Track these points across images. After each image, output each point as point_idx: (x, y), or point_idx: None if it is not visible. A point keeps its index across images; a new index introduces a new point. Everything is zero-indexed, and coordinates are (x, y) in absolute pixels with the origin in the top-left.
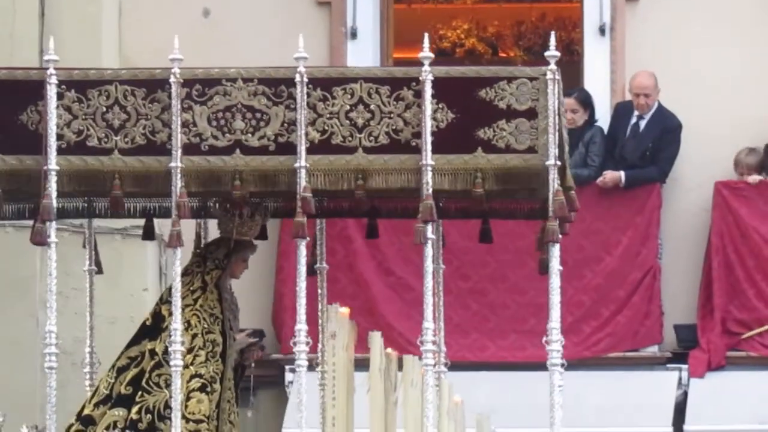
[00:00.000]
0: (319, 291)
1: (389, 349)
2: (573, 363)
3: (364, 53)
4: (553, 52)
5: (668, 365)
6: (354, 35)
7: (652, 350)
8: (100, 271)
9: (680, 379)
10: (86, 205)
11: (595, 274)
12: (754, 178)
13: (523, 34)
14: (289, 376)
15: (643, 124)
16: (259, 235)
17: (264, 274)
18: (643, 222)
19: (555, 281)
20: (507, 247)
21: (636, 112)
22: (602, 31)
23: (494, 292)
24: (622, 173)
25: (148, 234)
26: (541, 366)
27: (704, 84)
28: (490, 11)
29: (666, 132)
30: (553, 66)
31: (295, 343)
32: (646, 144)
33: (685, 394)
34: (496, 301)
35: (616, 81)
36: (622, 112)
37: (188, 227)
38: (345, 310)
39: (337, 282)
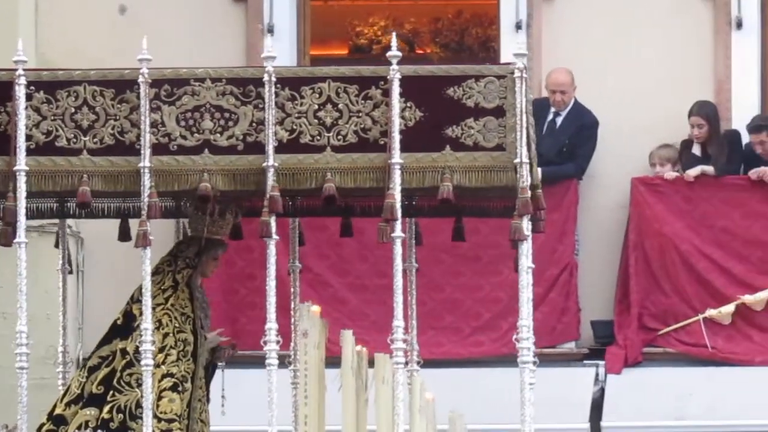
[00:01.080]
0: (292, 289)
1: (360, 347)
2: (491, 360)
3: (280, 50)
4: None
5: (585, 361)
6: (271, 32)
7: (569, 346)
8: (71, 271)
9: (597, 375)
10: (58, 205)
11: (512, 270)
12: (671, 173)
13: (440, 31)
14: None
15: (559, 120)
16: (234, 234)
17: None
18: (560, 218)
19: (524, 279)
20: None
21: (552, 109)
22: (518, 27)
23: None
24: (538, 170)
25: (124, 235)
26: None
27: (621, 81)
28: (406, 8)
29: (583, 129)
30: (520, 64)
31: (265, 342)
32: (562, 141)
33: (602, 390)
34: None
35: (533, 78)
36: (538, 108)
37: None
38: (316, 309)
39: (254, 279)
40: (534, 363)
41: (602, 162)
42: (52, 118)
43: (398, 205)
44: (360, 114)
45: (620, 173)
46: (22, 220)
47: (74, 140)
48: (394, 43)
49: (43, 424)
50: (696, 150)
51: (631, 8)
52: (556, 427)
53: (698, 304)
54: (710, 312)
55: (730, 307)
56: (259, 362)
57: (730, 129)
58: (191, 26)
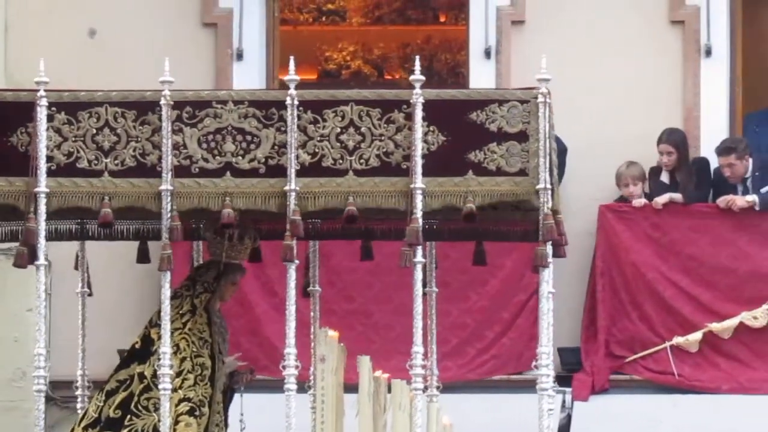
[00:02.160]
0: (312, 314)
1: (378, 372)
2: (457, 385)
3: (250, 74)
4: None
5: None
6: (240, 56)
7: (537, 373)
8: (90, 294)
9: (564, 402)
10: (79, 227)
11: (480, 296)
12: (639, 201)
13: (409, 57)
14: None
15: None
16: (253, 257)
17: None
18: (528, 244)
19: (545, 305)
20: (391, 269)
21: None
22: (488, 53)
23: (378, 313)
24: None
25: (143, 257)
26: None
27: (590, 107)
28: (375, 33)
29: None
30: (544, 89)
31: (284, 367)
32: None
33: (569, 417)
34: (380, 322)
35: None
36: None
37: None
38: (334, 334)
39: None
40: (553, 389)
41: (570, 188)
42: (74, 139)
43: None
44: (382, 138)
45: (588, 200)
46: (42, 242)
47: (95, 162)
48: (417, 66)
49: None
50: (664, 177)
51: (600, 35)
52: None
53: (665, 331)
54: (677, 339)
55: (697, 335)
56: (277, 387)
57: (699, 156)
58: (161, 50)
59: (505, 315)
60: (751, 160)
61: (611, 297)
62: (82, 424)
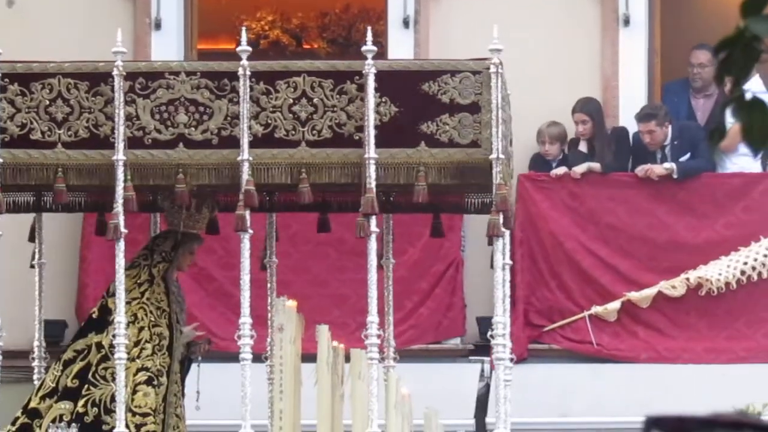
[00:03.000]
0: (269, 285)
1: (336, 342)
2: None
3: (168, 45)
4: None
5: (471, 357)
6: (158, 26)
7: (455, 342)
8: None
9: (482, 371)
10: (35, 199)
11: (399, 265)
12: (557, 171)
13: (327, 26)
14: None
15: None
16: (210, 228)
17: (68, 263)
18: (447, 214)
19: (500, 275)
20: (308, 239)
21: None
22: (406, 23)
23: (297, 284)
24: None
25: (101, 229)
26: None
27: (509, 78)
28: (294, 3)
29: None
30: (496, 60)
31: (239, 336)
32: None
33: (488, 386)
34: (299, 293)
35: None
36: None
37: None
38: (292, 303)
39: None
40: (511, 360)
41: None
42: (27, 110)
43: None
44: (335, 109)
45: None
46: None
47: (49, 133)
48: (369, 37)
49: (17, 418)
50: (582, 147)
51: (518, 5)
52: (442, 423)
53: (584, 300)
54: (596, 309)
55: (615, 304)
56: (233, 358)
57: (618, 126)
58: (79, 20)
59: (424, 285)
60: (670, 128)
61: (530, 266)
62: (40, 394)
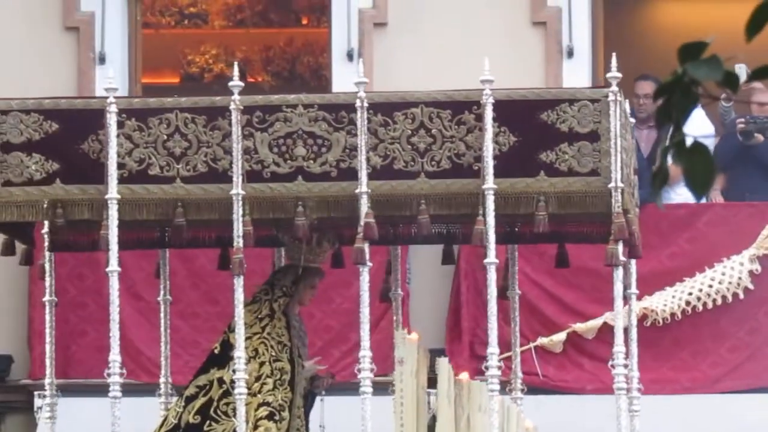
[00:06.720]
0: (394, 317)
1: (462, 374)
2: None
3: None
4: (614, 74)
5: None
6: (102, 60)
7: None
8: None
9: (429, 403)
10: (159, 235)
11: (344, 298)
12: None
13: (272, 60)
14: (38, 402)
15: None
16: (335, 262)
17: (17, 298)
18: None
19: (619, 305)
20: (254, 270)
21: None
22: (350, 56)
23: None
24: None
25: (224, 264)
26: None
27: None
28: (238, 36)
29: None
30: (614, 88)
31: (359, 370)
32: None
33: (434, 417)
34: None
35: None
36: None
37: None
38: (414, 336)
39: (86, 307)
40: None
41: None
42: (144, 145)
43: (492, 231)
44: (453, 139)
45: None
46: (114, 249)
47: (167, 168)
48: (486, 66)
49: None
50: None
51: (462, 36)
52: None
53: (529, 332)
54: (541, 340)
55: (561, 336)
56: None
57: None
58: (23, 54)
59: (369, 317)
60: None
61: (475, 299)
62: (162, 430)
